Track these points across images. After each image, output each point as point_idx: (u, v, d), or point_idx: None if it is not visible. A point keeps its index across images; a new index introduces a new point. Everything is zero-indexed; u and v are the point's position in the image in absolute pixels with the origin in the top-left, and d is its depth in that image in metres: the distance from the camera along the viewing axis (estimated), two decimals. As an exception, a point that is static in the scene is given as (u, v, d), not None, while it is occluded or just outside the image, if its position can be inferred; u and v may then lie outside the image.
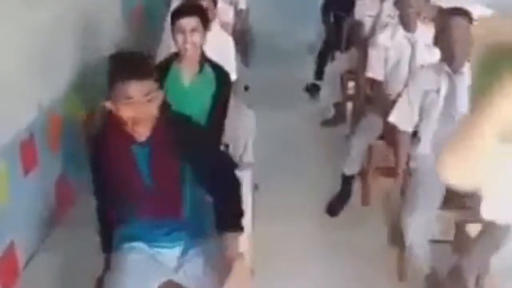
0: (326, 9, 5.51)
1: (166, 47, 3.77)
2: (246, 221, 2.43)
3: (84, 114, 3.87)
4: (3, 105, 2.76)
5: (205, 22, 2.98)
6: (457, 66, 2.91)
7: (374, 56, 3.69)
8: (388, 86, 3.68)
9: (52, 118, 3.35)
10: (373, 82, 3.77)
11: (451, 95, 2.92)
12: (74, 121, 3.73)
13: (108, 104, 2.11)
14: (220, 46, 3.50)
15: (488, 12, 4.85)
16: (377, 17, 4.37)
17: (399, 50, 3.64)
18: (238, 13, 4.55)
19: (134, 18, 5.08)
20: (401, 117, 3.07)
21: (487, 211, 1.40)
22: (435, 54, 3.43)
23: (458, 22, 2.86)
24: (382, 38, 3.69)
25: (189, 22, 2.90)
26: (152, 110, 2.12)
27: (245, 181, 2.42)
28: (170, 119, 2.21)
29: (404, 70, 3.63)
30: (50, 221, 3.34)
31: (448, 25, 2.88)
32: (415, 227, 2.81)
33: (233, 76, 3.56)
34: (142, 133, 2.14)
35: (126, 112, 2.07)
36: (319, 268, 3.19)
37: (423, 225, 2.82)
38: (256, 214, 3.14)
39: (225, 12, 4.19)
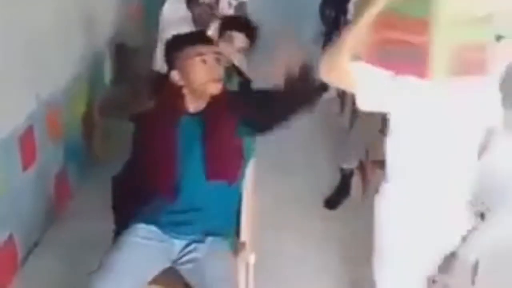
0: (324, 7, 5.51)
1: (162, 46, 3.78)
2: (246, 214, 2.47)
3: (83, 108, 3.87)
4: (1, 98, 2.76)
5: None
6: None
7: None
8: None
9: (52, 111, 3.35)
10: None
11: None
12: (74, 114, 3.73)
13: (175, 75, 2.20)
14: None
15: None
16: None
17: None
18: (238, 6, 4.54)
19: (133, 13, 5.08)
20: None
21: (359, 104, 1.93)
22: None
23: None
24: None
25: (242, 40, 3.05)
26: (221, 71, 2.23)
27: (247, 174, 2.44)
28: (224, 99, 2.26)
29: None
30: (49, 215, 3.34)
31: None
32: None
33: None
34: (212, 93, 2.21)
35: (199, 72, 2.17)
36: (318, 262, 3.20)
37: None
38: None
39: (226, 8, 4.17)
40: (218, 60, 2.22)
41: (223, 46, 2.96)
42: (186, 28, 3.71)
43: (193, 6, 3.69)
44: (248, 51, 3.01)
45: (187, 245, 2.27)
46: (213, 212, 2.27)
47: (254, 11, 5.41)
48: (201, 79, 2.17)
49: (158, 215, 2.26)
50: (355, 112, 4.25)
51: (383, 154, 3.37)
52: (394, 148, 2.06)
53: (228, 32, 2.96)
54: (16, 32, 2.89)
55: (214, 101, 2.22)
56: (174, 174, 2.21)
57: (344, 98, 5.05)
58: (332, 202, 3.75)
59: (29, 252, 3.11)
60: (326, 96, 5.36)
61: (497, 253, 2.88)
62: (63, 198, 3.50)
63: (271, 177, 3.98)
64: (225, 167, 2.24)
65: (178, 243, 2.27)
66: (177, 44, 2.24)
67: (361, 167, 3.79)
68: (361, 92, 1.91)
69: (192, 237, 2.27)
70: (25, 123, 3.03)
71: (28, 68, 3.04)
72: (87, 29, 3.92)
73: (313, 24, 6.06)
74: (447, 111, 1.90)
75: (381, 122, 3.61)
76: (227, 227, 2.36)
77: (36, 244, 3.18)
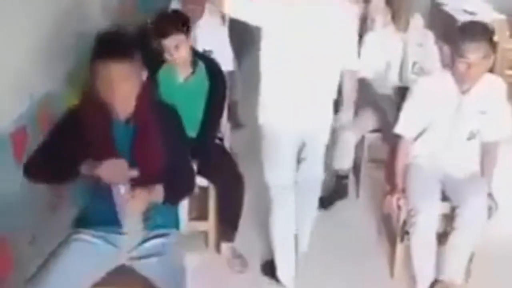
0: None
1: None
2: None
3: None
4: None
5: (188, 31, 2.92)
6: (466, 88, 2.76)
7: (364, 55, 3.67)
8: (379, 84, 3.68)
9: (44, 110, 3.33)
10: (361, 80, 3.73)
11: (456, 114, 2.82)
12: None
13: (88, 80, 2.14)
14: (213, 34, 3.47)
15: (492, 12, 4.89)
16: (363, 18, 4.38)
17: (391, 49, 3.63)
18: None
19: (126, 10, 5.05)
20: (407, 126, 2.95)
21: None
22: (426, 53, 3.43)
23: (478, 49, 2.58)
24: (373, 37, 3.67)
25: (171, 41, 2.86)
26: (131, 89, 2.12)
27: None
28: (158, 104, 2.24)
29: (395, 68, 3.63)
30: (44, 214, 3.32)
31: (466, 51, 2.59)
32: (420, 225, 2.80)
33: (229, 67, 3.52)
34: (123, 111, 2.16)
35: (104, 91, 2.09)
36: (311, 261, 3.19)
37: (430, 222, 2.80)
38: (251, 207, 3.18)
39: None
40: (127, 80, 2.12)
41: None
42: None
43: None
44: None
45: (141, 242, 2.29)
46: (152, 211, 2.27)
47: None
48: (106, 97, 2.11)
49: (95, 219, 2.27)
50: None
51: (380, 153, 3.40)
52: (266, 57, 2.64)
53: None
54: (9, 30, 2.88)
55: (140, 110, 2.18)
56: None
57: (339, 99, 5.03)
58: (325, 202, 3.75)
59: (23, 251, 3.08)
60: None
61: (490, 252, 2.91)
62: (57, 196, 3.48)
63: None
64: (152, 172, 2.20)
65: (126, 241, 2.28)
66: (95, 49, 2.14)
67: (355, 167, 3.80)
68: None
69: (146, 231, 2.30)
70: (17, 122, 3.01)
71: (20, 66, 3.02)
72: (81, 27, 3.90)
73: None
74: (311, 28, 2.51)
75: (375, 122, 3.64)
76: (171, 222, 2.38)
77: (30, 244, 3.15)
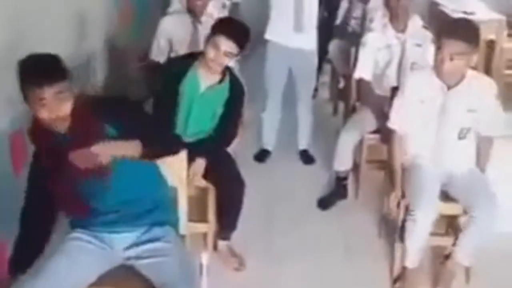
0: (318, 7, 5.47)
1: (158, 47, 3.76)
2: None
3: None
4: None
5: (242, 47, 2.97)
6: (453, 84, 2.82)
7: (363, 57, 3.68)
8: (377, 85, 3.69)
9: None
10: (360, 81, 3.76)
11: (443, 110, 2.87)
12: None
13: (27, 105, 2.13)
14: None
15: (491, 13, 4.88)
16: (362, 19, 4.39)
17: (390, 50, 3.64)
18: (232, 7, 4.50)
19: (124, 14, 5.06)
20: (401, 121, 3.00)
21: None
22: (425, 53, 3.44)
23: (455, 45, 2.65)
24: (372, 38, 3.68)
25: (228, 45, 2.90)
26: (66, 108, 2.11)
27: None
28: (88, 107, 2.18)
29: (393, 69, 3.64)
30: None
31: (443, 45, 2.68)
32: (419, 225, 2.80)
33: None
34: (61, 128, 2.15)
35: (41, 114, 2.09)
36: (310, 261, 3.21)
37: (425, 222, 2.80)
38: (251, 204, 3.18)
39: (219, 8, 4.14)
40: (61, 99, 2.09)
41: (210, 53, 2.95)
42: (182, 19, 3.71)
43: None
44: (235, 57, 2.99)
45: (136, 240, 2.30)
46: (135, 199, 2.27)
47: (247, 12, 5.42)
48: (45, 119, 2.11)
49: (90, 220, 2.28)
50: (348, 113, 4.27)
51: (379, 154, 3.40)
52: None
53: (216, 36, 2.92)
54: (6, 31, 2.87)
55: (77, 115, 2.15)
56: (75, 193, 2.20)
57: (337, 100, 5.06)
58: (325, 202, 3.75)
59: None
60: (319, 97, 5.38)
61: (491, 254, 2.91)
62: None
63: (264, 178, 3.99)
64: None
65: (123, 240, 2.29)
66: (26, 75, 2.09)
67: (354, 167, 3.80)
68: None
69: (135, 231, 2.30)
70: (15, 123, 3.00)
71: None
72: (79, 30, 3.90)
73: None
74: None
75: (374, 123, 3.64)
76: (164, 213, 2.37)
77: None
